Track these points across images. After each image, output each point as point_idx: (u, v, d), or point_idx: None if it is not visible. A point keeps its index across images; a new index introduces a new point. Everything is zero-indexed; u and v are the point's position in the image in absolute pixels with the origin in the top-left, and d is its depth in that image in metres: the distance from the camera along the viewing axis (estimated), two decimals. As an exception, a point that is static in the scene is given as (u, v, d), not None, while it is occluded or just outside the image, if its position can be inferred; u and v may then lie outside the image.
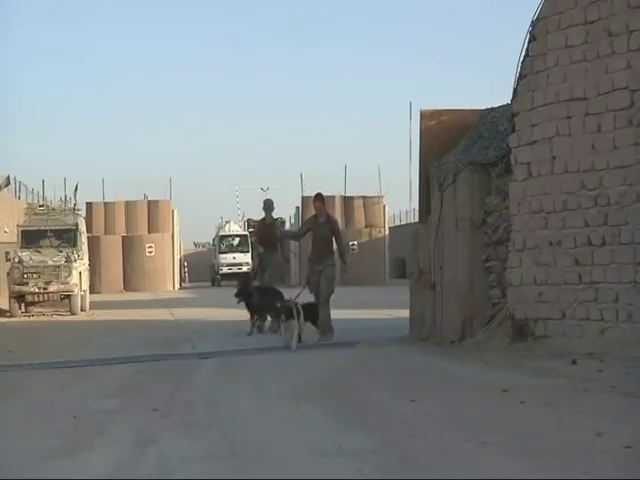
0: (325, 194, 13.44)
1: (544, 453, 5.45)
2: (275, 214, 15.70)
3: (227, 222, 49.31)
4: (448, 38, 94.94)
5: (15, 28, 73.67)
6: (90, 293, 24.48)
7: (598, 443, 5.63)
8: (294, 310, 11.83)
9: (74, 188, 30.22)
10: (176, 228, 40.36)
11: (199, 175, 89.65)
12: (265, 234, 15.44)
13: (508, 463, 5.25)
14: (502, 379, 8.26)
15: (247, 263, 42.78)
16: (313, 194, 13.67)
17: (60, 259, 21.25)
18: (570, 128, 10.00)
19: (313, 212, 13.60)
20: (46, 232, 22.06)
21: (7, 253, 22.07)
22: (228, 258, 44.52)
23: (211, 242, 49.71)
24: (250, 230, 44.55)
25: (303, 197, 39.30)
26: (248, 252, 43.45)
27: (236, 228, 48.76)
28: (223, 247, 45.54)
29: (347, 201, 39.54)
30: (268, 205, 15.74)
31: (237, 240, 46.39)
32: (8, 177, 33.63)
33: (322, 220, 13.15)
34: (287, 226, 49.60)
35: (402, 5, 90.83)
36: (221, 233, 47.37)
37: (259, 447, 5.82)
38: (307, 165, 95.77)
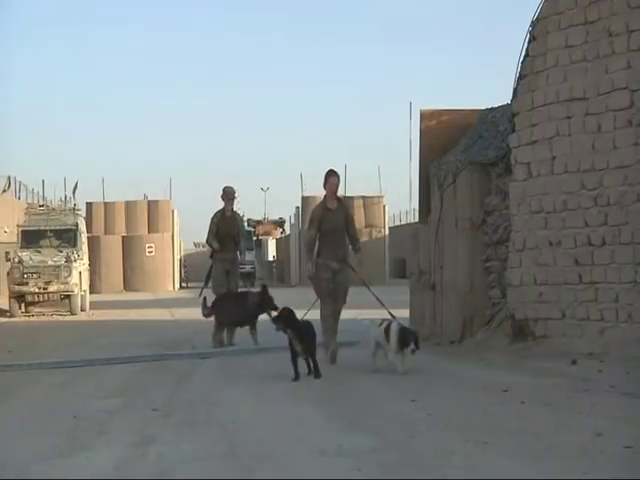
0: (325, 194, 12.69)
1: (544, 453, 5.44)
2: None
3: None
4: (448, 38, 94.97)
5: (15, 28, 73.66)
6: (90, 293, 24.49)
7: (598, 443, 5.63)
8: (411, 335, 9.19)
9: (73, 186, 30.23)
10: (176, 228, 40.35)
11: (199, 175, 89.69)
12: (225, 230, 12.85)
13: (508, 463, 5.24)
14: (502, 379, 8.27)
15: (251, 262, 40.18)
16: (325, 178, 10.42)
17: (60, 259, 21.26)
18: (570, 128, 10.00)
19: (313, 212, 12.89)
20: (46, 232, 22.08)
21: (7, 253, 22.09)
22: None
23: None
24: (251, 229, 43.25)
25: (303, 197, 39.28)
26: (252, 250, 41.18)
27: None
28: None
29: (347, 201, 39.53)
30: (228, 193, 13.07)
31: None
32: (9, 178, 33.63)
33: (333, 207, 10.39)
34: (287, 226, 49.52)
35: (402, 5, 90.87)
36: None
37: (259, 447, 5.82)
38: (307, 165, 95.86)
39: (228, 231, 12.87)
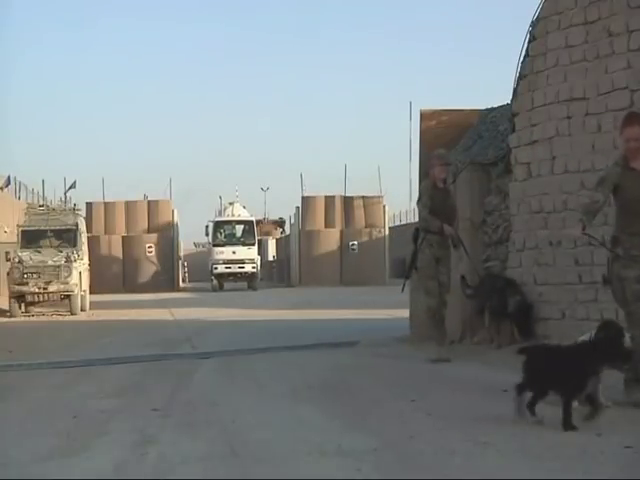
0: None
1: (544, 453, 5.44)
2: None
3: (231, 203, 38.77)
4: (448, 38, 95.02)
5: (15, 27, 73.70)
6: (90, 293, 24.49)
7: (598, 443, 5.63)
8: None
9: (70, 185, 30.19)
10: (176, 228, 40.35)
11: (199, 175, 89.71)
12: (436, 206, 9.91)
13: (508, 463, 5.24)
14: (502, 379, 8.25)
15: (252, 261, 33.84)
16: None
17: (60, 259, 21.28)
18: (570, 128, 9.99)
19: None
20: (46, 232, 22.11)
21: (7, 253, 22.12)
22: (226, 253, 33.55)
23: (204, 231, 37.59)
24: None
25: (303, 197, 39.22)
26: (254, 245, 34.73)
27: (242, 212, 37.79)
28: (220, 237, 35.12)
29: (347, 201, 39.54)
30: (442, 157, 10.05)
31: (240, 228, 36.06)
32: (8, 177, 33.66)
33: (638, 166, 6.86)
34: (287, 226, 49.46)
35: (402, 5, 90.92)
36: (217, 218, 37.61)
37: (259, 447, 5.81)
38: (307, 165, 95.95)
39: (441, 207, 9.96)
